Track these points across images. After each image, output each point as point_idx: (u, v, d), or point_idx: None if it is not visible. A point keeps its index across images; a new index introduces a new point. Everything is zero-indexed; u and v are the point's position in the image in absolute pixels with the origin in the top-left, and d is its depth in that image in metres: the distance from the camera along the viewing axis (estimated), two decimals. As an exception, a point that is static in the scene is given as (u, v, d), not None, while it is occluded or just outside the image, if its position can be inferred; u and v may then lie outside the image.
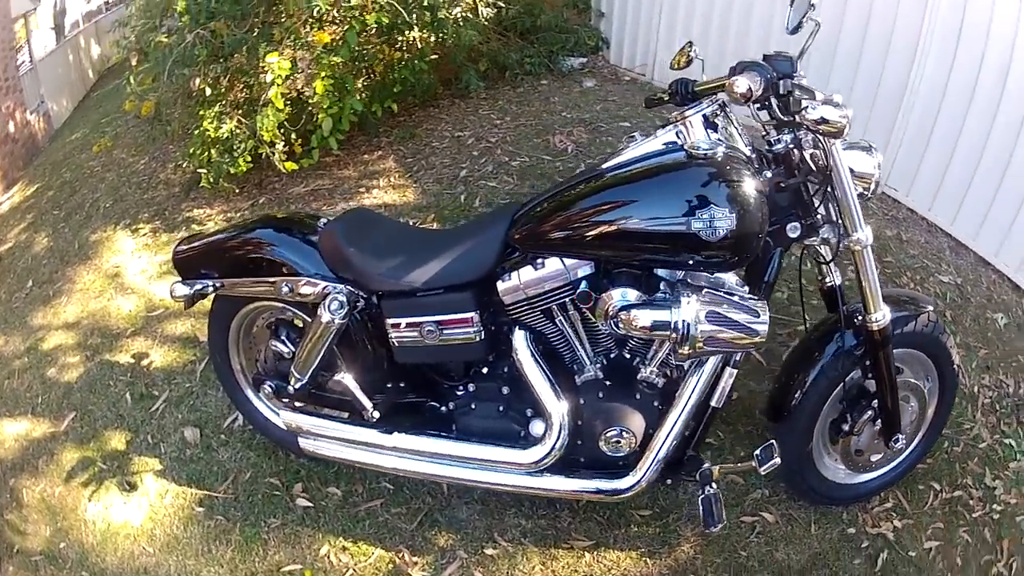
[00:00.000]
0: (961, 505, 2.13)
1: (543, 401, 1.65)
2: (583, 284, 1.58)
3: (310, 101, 2.94)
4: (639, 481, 1.68)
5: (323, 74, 2.86)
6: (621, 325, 1.51)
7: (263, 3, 3.08)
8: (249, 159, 3.08)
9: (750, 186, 1.45)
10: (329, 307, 1.72)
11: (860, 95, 3.17)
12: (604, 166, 1.61)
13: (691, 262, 1.50)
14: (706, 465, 1.73)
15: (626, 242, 1.52)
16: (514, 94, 4.08)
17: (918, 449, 2.02)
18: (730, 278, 1.58)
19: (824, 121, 1.40)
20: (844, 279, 1.81)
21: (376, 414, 1.82)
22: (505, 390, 1.77)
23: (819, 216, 1.60)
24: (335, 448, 1.91)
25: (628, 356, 1.68)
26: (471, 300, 1.66)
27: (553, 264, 1.59)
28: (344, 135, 3.31)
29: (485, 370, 1.78)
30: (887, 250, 2.92)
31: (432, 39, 3.41)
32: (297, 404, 1.96)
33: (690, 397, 1.63)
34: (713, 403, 1.67)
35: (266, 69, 2.74)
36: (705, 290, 1.51)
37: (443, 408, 1.83)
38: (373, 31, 3.11)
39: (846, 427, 1.83)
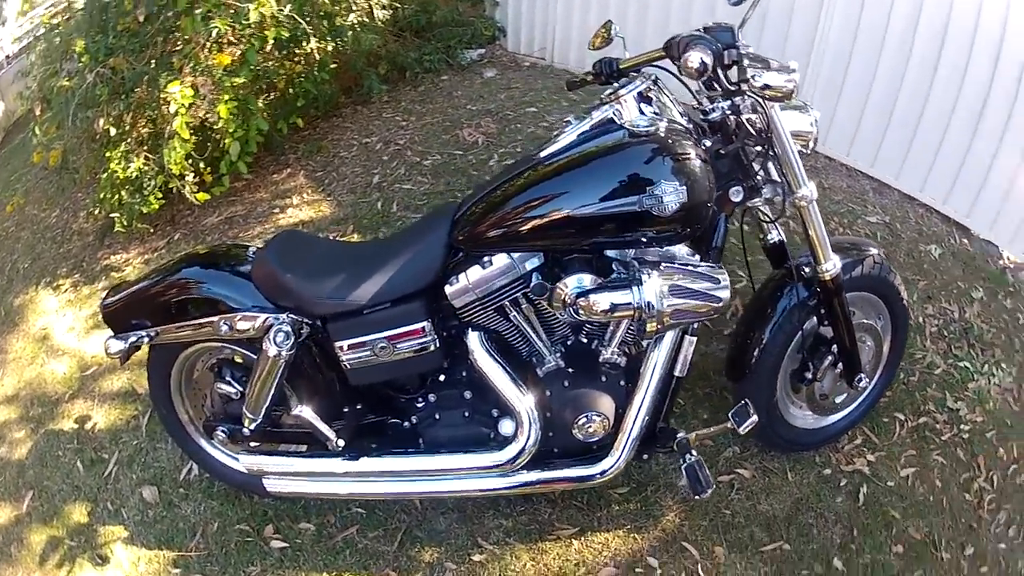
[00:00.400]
0: (929, 431, 2.20)
1: (508, 399, 1.62)
2: (536, 276, 1.55)
3: (215, 127, 2.86)
4: (617, 461, 1.67)
5: (226, 97, 2.79)
6: (581, 312, 1.49)
7: (161, 32, 2.97)
8: (160, 195, 2.99)
9: (694, 157, 1.46)
10: (274, 340, 1.63)
11: (767, 53, 3.19)
12: (542, 154, 1.57)
13: (644, 239, 1.49)
14: (681, 434, 1.73)
15: (576, 228, 1.49)
16: (416, 94, 4.03)
17: (879, 384, 2.07)
18: (681, 249, 1.58)
19: (769, 87, 1.42)
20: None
21: (340, 442, 1.76)
22: (467, 395, 1.73)
23: (760, 177, 1.61)
24: (304, 484, 1.83)
25: (586, 341, 1.67)
26: (421, 310, 1.61)
27: (501, 260, 1.55)
28: (252, 157, 3.23)
29: (443, 378, 1.74)
30: (811, 199, 3.00)
31: (331, 48, 3.35)
32: (254, 445, 1.87)
33: (655, 371, 1.63)
34: (677, 373, 1.67)
35: (168, 100, 2.64)
36: (663, 265, 1.51)
37: (406, 424, 1.78)
38: (271, 46, 3.03)
39: (808, 375, 1.87)
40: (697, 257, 1.59)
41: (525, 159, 1.63)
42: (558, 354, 1.67)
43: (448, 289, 1.58)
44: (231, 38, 2.87)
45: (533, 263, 1.56)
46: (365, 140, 3.56)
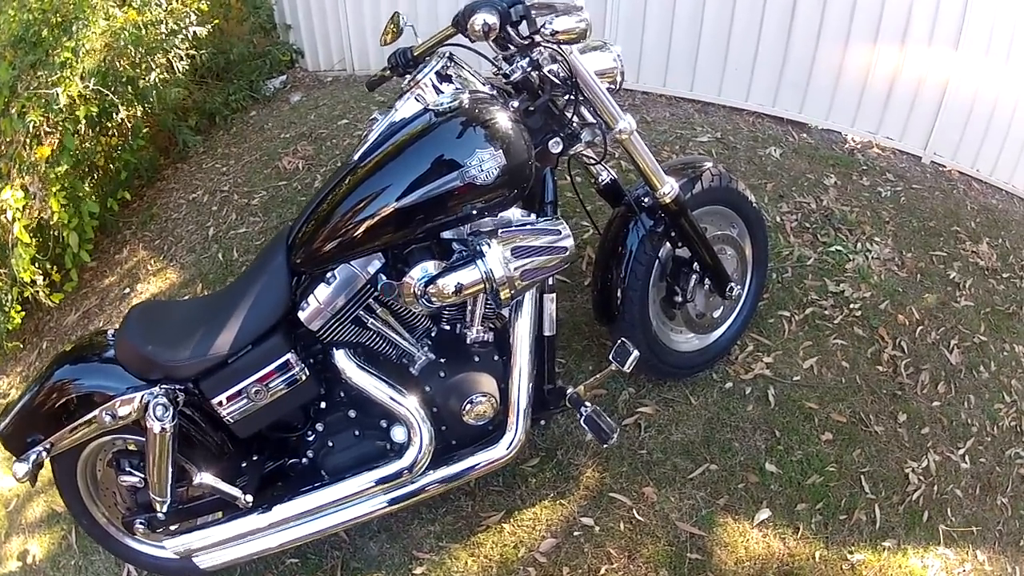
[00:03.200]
0: (819, 319, 2.26)
1: (392, 406, 1.62)
2: (381, 277, 1.56)
3: (51, 223, 2.85)
4: (517, 434, 1.68)
5: (55, 189, 2.78)
6: (434, 299, 1.50)
7: (-17, 141, 2.92)
8: (19, 308, 2.95)
9: (504, 119, 1.49)
10: (155, 414, 1.60)
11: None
12: (355, 157, 1.58)
13: (475, 211, 1.52)
14: (570, 390, 1.76)
15: (407, 219, 1.50)
16: (230, 136, 3.99)
17: (753, 289, 2.14)
18: (515, 212, 1.61)
19: (560, 32, 1.46)
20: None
21: (248, 497, 1.73)
22: (352, 414, 1.72)
23: (575, 124, 1.65)
24: (232, 550, 1.79)
25: (449, 327, 1.67)
26: (281, 343, 1.59)
27: (344, 272, 1.55)
28: (91, 244, 3.23)
29: (324, 405, 1.72)
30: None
31: (139, 112, 3.35)
32: (174, 528, 1.83)
33: (524, 336, 1.65)
34: (546, 333, 1.70)
35: (3, 207, 2.62)
36: (500, 231, 1.53)
37: (304, 460, 1.76)
38: (84, 125, 3.01)
39: (678, 298, 1.92)
40: (533, 216, 1.63)
41: (342, 167, 1.64)
42: (426, 348, 1.67)
43: (302, 315, 1.57)
44: (46, 128, 2.85)
45: (375, 265, 1.56)
46: (192, 196, 3.52)
